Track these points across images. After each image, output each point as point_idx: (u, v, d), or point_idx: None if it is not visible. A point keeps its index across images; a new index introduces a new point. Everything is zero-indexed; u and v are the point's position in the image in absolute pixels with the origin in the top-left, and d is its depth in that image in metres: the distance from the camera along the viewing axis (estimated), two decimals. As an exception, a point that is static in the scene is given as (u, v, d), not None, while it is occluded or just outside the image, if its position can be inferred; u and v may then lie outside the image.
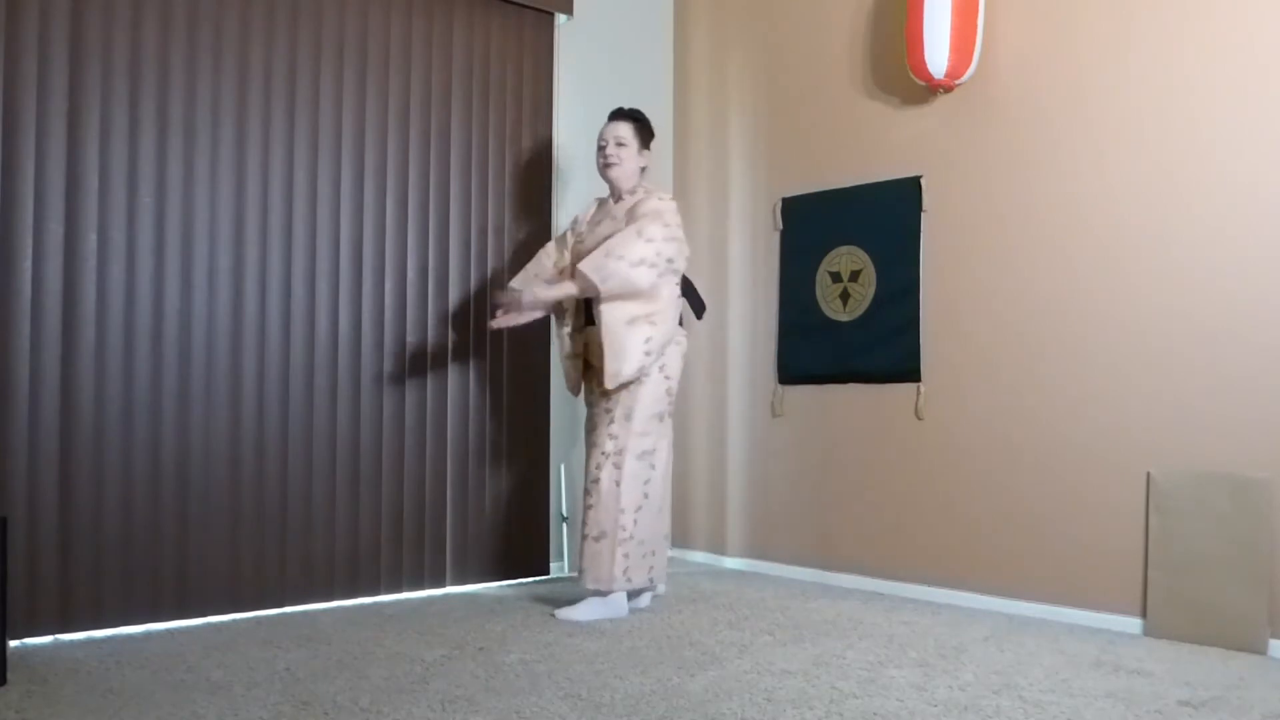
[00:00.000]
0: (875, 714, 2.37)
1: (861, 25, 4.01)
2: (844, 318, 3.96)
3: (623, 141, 3.50)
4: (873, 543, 3.88)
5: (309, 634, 3.11)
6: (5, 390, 2.97)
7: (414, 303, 3.78)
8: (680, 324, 3.48)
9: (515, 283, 3.62)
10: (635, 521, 3.35)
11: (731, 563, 4.38)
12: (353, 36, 3.65)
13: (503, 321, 3.53)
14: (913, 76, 3.67)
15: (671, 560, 4.52)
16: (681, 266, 3.43)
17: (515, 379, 4.04)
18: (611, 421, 3.38)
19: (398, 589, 3.71)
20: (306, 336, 3.53)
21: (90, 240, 3.12)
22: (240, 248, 3.40)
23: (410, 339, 3.77)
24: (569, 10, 4.19)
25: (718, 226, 4.48)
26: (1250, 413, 3.02)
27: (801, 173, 4.18)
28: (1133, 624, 3.20)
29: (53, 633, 3.03)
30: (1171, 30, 3.21)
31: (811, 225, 4.13)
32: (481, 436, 3.94)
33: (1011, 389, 3.52)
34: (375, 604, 3.58)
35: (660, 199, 3.45)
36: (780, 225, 4.23)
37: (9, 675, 2.62)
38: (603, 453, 3.37)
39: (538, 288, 3.48)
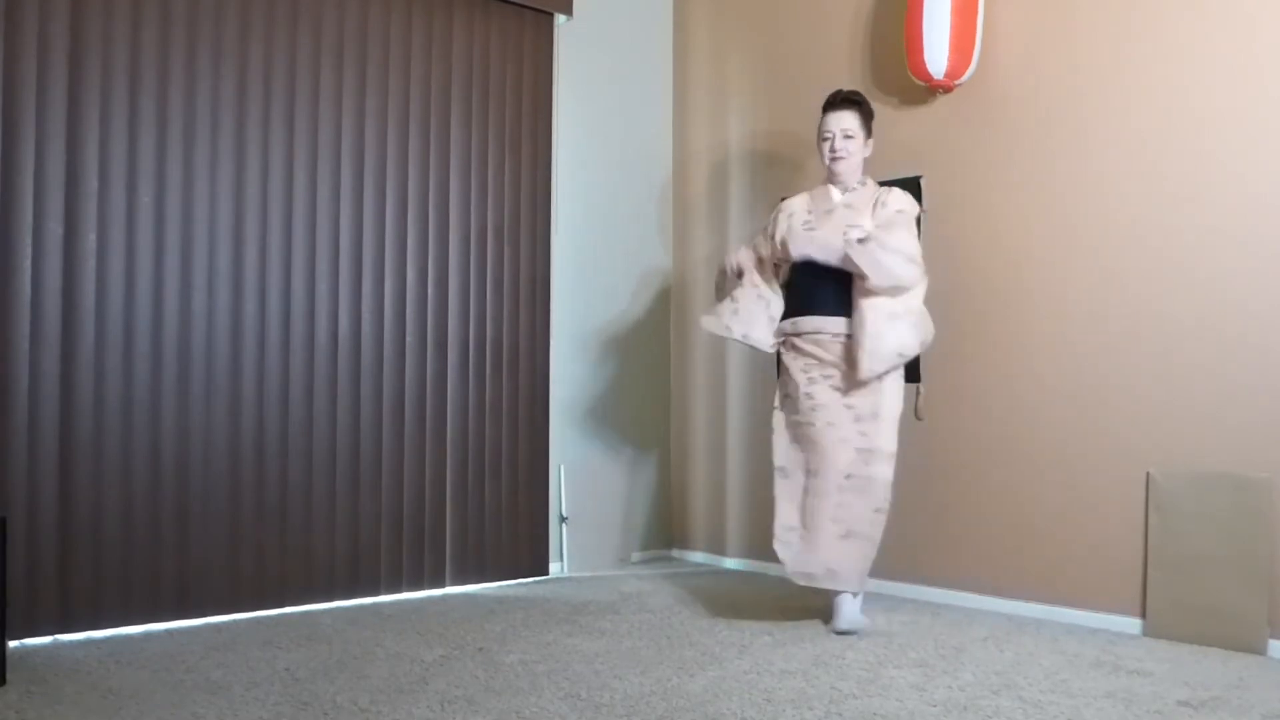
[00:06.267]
0: (875, 714, 2.36)
1: (861, 25, 4.01)
2: (844, 318, 3.96)
3: (850, 133, 3.33)
4: (873, 543, 3.88)
5: (309, 634, 3.11)
6: (5, 390, 2.97)
7: (414, 303, 3.78)
8: None
9: (726, 319, 3.43)
10: (873, 524, 3.21)
11: (731, 563, 4.38)
12: (353, 36, 3.66)
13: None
14: (913, 76, 3.67)
15: (671, 560, 4.52)
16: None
17: (515, 379, 4.04)
18: (857, 419, 3.23)
19: (398, 589, 3.71)
20: (306, 336, 3.53)
21: (90, 240, 3.12)
22: (240, 248, 3.40)
23: (410, 339, 3.77)
24: (569, 10, 4.19)
25: (718, 227, 4.47)
26: (1250, 413, 3.02)
27: (802, 173, 4.18)
28: (1133, 624, 3.20)
29: (53, 633, 3.03)
30: (1171, 30, 3.21)
31: (811, 225, 4.12)
32: (481, 437, 3.94)
33: (1011, 389, 3.52)
34: (375, 604, 3.58)
35: (902, 194, 3.34)
36: (780, 225, 4.23)
37: (9, 675, 2.62)
38: (857, 448, 3.21)
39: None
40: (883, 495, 3.22)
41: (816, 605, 3.54)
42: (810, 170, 4.14)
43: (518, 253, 4.07)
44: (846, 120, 3.35)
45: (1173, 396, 3.16)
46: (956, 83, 3.60)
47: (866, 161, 3.43)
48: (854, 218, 3.30)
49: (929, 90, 3.71)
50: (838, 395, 3.26)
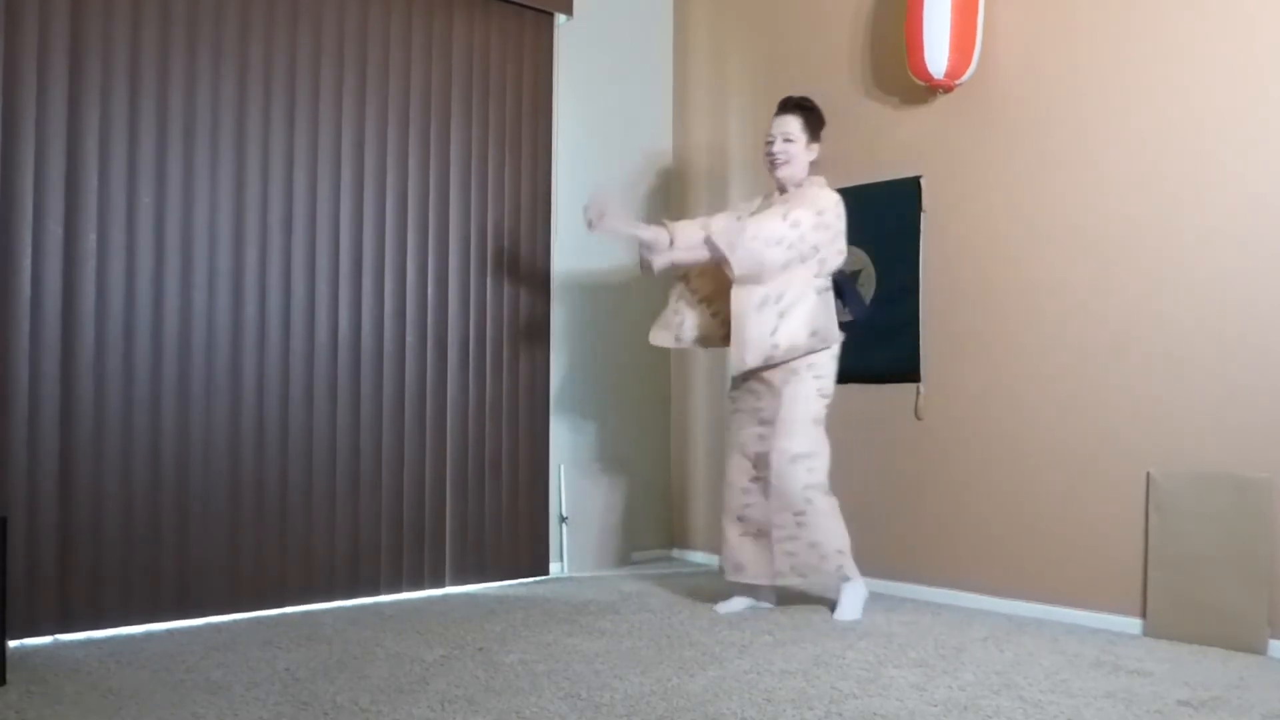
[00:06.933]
0: (875, 714, 2.36)
1: (861, 25, 4.01)
2: (844, 318, 3.95)
3: (790, 137, 3.40)
4: (873, 543, 3.87)
5: (309, 634, 3.11)
6: (5, 390, 2.97)
7: (414, 303, 3.78)
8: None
9: (675, 330, 3.54)
10: (799, 524, 3.29)
11: (731, 563, 4.38)
12: (353, 36, 3.66)
13: (599, 226, 3.40)
14: (913, 76, 3.67)
15: (671, 560, 4.52)
16: (832, 261, 3.34)
17: (515, 379, 4.04)
18: (761, 423, 3.35)
19: (398, 589, 3.71)
20: (306, 336, 3.53)
21: (90, 240, 3.12)
22: (240, 248, 3.40)
23: (410, 339, 3.77)
24: (569, 10, 4.19)
25: (718, 226, 4.47)
26: (1250, 413, 3.02)
27: (801, 173, 4.17)
28: (1133, 624, 3.20)
29: (53, 633, 3.03)
30: (1171, 30, 3.21)
31: (811, 225, 4.12)
32: (481, 437, 3.94)
33: (1011, 389, 3.52)
34: (375, 604, 3.58)
35: (821, 188, 3.39)
36: (780, 225, 4.22)
37: (9, 675, 2.62)
38: (755, 453, 3.36)
39: (647, 230, 3.38)
40: (796, 497, 3.30)
41: (816, 605, 3.54)
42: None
43: (518, 252, 4.07)
44: (788, 125, 3.43)
45: (1173, 396, 3.16)
46: (956, 83, 3.60)
47: (814, 165, 3.48)
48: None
49: (929, 90, 3.71)
50: (752, 399, 3.41)
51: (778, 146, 3.41)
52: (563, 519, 4.21)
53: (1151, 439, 3.20)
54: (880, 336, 3.85)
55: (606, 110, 4.43)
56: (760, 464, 3.35)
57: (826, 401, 3.37)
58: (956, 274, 3.67)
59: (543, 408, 4.13)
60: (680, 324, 3.55)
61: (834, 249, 3.34)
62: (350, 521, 3.61)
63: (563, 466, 4.22)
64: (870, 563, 3.87)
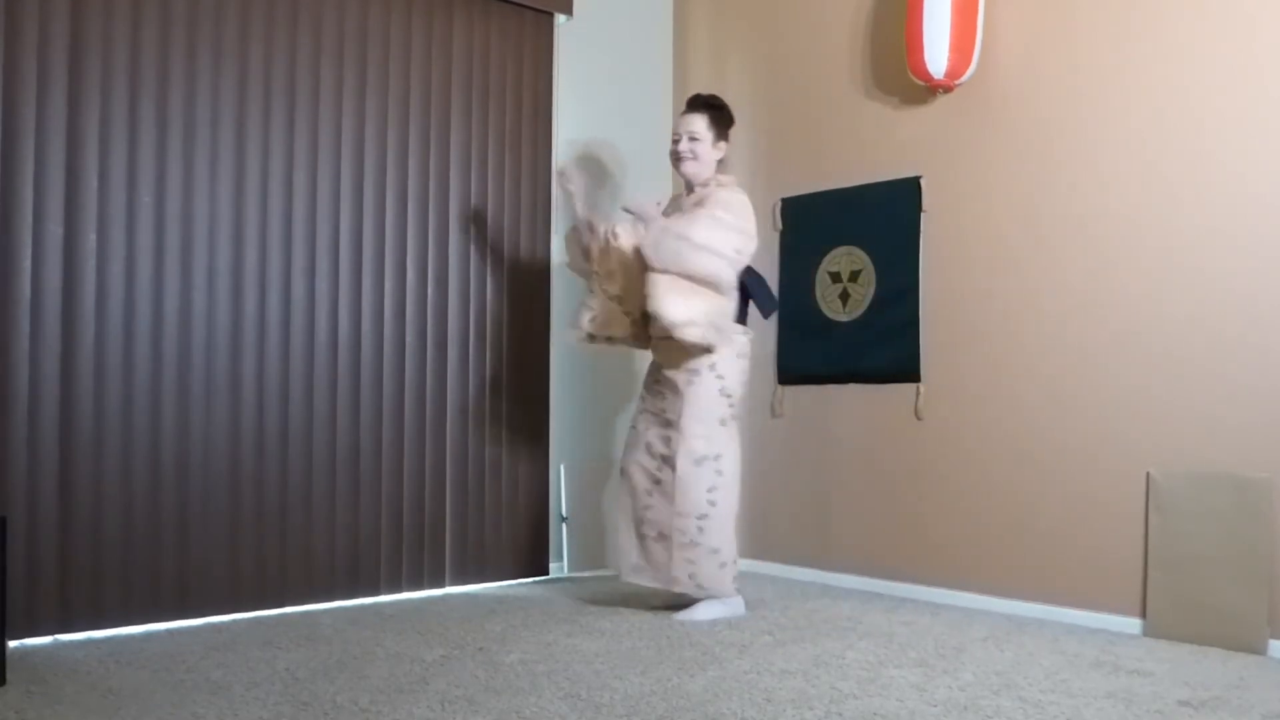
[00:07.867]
0: (875, 714, 2.36)
1: (861, 25, 4.01)
2: (844, 318, 3.96)
3: (696, 136, 3.41)
4: (873, 543, 3.88)
5: (309, 634, 3.11)
6: (5, 390, 2.97)
7: (414, 303, 3.78)
8: (745, 323, 3.45)
9: (587, 328, 3.51)
10: (700, 529, 3.28)
11: (731, 563, 4.38)
12: (353, 36, 3.65)
13: (568, 182, 3.54)
14: (913, 76, 3.67)
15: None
16: (745, 260, 3.36)
17: (516, 379, 4.04)
18: (666, 425, 3.35)
19: (398, 589, 3.71)
20: (306, 336, 3.53)
21: (90, 240, 3.12)
22: (240, 248, 3.40)
23: (410, 339, 3.77)
24: (569, 10, 4.19)
25: (718, 226, 4.47)
26: (1250, 413, 3.02)
27: (801, 173, 4.18)
28: (1133, 624, 3.20)
29: (53, 633, 3.03)
30: (1171, 30, 3.21)
31: (811, 225, 4.13)
32: (481, 436, 3.94)
33: (1011, 389, 3.52)
34: (375, 604, 3.58)
35: (733, 191, 3.40)
36: (780, 225, 4.23)
37: (9, 675, 2.62)
38: (660, 455, 3.34)
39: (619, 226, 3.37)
40: (699, 501, 3.28)
41: (816, 605, 3.54)
42: (808, 169, 4.14)
43: (518, 252, 4.07)
44: (694, 123, 3.43)
45: (1173, 396, 3.16)
46: (956, 83, 3.60)
47: (723, 164, 3.49)
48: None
49: (929, 90, 3.71)
50: (656, 400, 3.42)
51: (683, 145, 3.42)
52: (563, 519, 4.20)
53: (1151, 439, 3.20)
54: (880, 336, 3.85)
55: (606, 110, 4.43)
56: (665, 468, 3.33)
57: (731, 401, 3.36)
58: (956, 274, 3.68)
59: (543, 408, 4.13)
60: (591, 320, 3.49)
61: (749, 250, 3.35)
62: (350, 521, 3.61)
63: (563, 466, 4.22)
64: (871, 563, 3.87)
